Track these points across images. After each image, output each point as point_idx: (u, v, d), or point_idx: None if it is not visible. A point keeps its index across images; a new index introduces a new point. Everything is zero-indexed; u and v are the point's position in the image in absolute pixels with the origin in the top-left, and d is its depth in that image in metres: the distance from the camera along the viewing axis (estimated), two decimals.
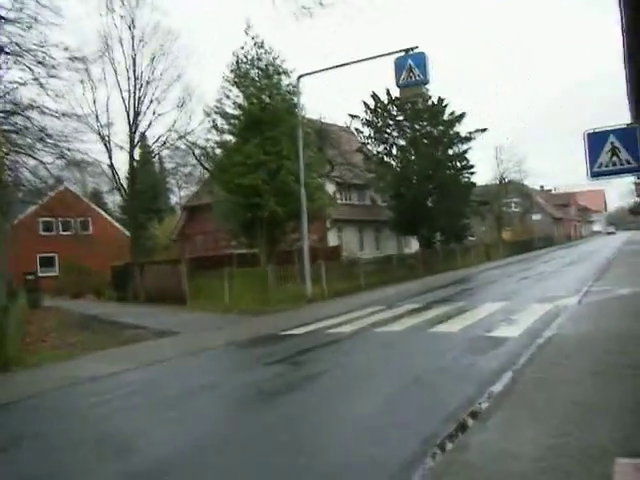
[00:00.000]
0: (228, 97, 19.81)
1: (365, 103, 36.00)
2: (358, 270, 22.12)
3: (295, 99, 19.34)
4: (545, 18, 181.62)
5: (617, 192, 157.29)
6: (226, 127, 19.96)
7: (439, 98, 35.13)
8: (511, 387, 6.63)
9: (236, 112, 19.81)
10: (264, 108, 19.53)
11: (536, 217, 55.70)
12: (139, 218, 44.08)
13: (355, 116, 35.87)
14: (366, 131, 36.29)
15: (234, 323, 15.81)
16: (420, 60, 16.33)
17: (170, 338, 13.53)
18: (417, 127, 35.43)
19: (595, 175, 10.72)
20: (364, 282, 22.27)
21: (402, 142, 35.87)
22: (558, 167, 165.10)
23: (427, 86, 17.49)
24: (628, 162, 10.33)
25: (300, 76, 18.75)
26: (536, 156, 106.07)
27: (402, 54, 16.52)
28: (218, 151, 20.24)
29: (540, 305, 13.88)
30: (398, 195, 34.75)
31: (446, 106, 35.11)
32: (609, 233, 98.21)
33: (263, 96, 19.80)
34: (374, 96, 35.71)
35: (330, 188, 33.59)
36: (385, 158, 36.09)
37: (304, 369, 8.88)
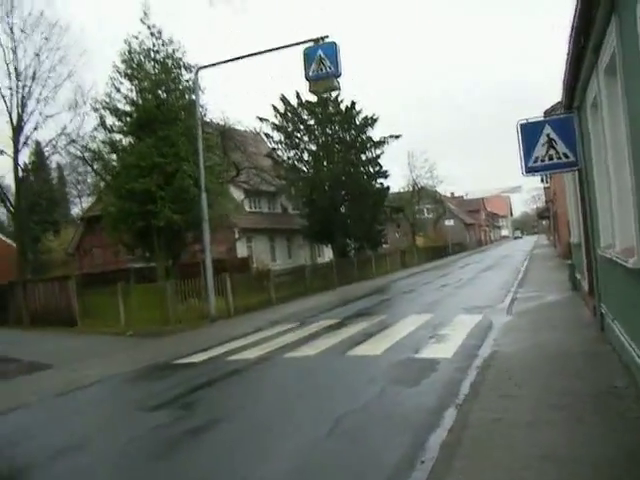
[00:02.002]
0: (119, 91, 17.49)
1: (275, 107, 34.34)
2: (268, 283, 20.26)
3: (194, 95, 17.26)
4: (464, 23, 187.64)
5: (520, 198, 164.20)
6: (117, 125, 17.60)
7: (351, 102, 34.05)
8: (458, 435, 5.07)
9: (128, 108, 17.51)
10: (160, 105, 17.40)
11: (449, 223, 55.90)
12: (33, 230, 40.47)
13: (264, 119, 34.11)
14: (276, 136, 34.63)
15: (124, 348, 13.63)
16: (331, 51, 14.81)
17: (40, 373, 11.16)
18: (329, 132, 34.12)
19: (530, 171, 9.49)
20: (275, 295, 20.47)
21: (313, 147, 34.43)
22: (467, 173, 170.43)
23: (338, 91, 15.90)
24: (566, 156, 9.14)
25: (199, 68, 16.75)
26: (446, 162, 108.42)
27: (312, 44, 14.97)
28: (109, 153, 17.75)
29: (468, 316, 12.64)
30: (310, 202, 33.23)
31: (359, 112, 34.09)
32: (516, 237, 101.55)
33: (160, 91, 17.64)
34: (283, 99, 34.11)
35: (237, 194, 31.70)
36: (296, 164, 34.52)
37: (195, 416, 6.96)
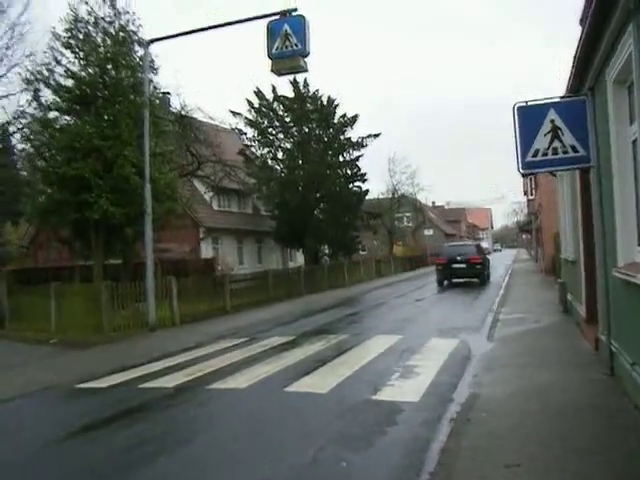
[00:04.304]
0: (59, 62, 15.20)
1: (249, 101, 32.26)
2: (223, 289, 18.10)
3: (146, 73, 15.03)
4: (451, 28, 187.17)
5: (502, 211, 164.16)
6: (53, 99, 15.22)
7: (329, 98, 32.05)
8: None
9: (69, 83, 15.22)
10: (106, 81, 15.18)
11: (428, 232, 54.08)
12: None
13: (238, 114, 31.99)
14: (250, 132, 32.54)
15: (34, 361, 11.43)
16: (299, 26, 12.80)
17: None
18: (305, 130, 32.09)
19: (528, 167, 7.48)
20: (231, 303, 18.34)
21: (288, 145, 32.40)
22: (449, 183, 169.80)
23: (304, 72, 13.81)
24: (574, 149, 7.13)
25: (150, 41, 14.55)
26: (428, 171, 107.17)
27: (277, 17, 12.96)
28: (40, 132, 15.33)
29: (442, 341, 10.68)
30: (283, 203, 31.18)
31: (336, 107, 32.10)
32: (495, 250, 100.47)
33: (109, 66, 15.38)
34: (258, 93, 32.03)
35: (203, 191, 29.63)
36: (269, 162, 32.46)
37: None
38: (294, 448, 5.30)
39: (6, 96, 20.77)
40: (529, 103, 7.34)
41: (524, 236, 76.14)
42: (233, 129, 32.02)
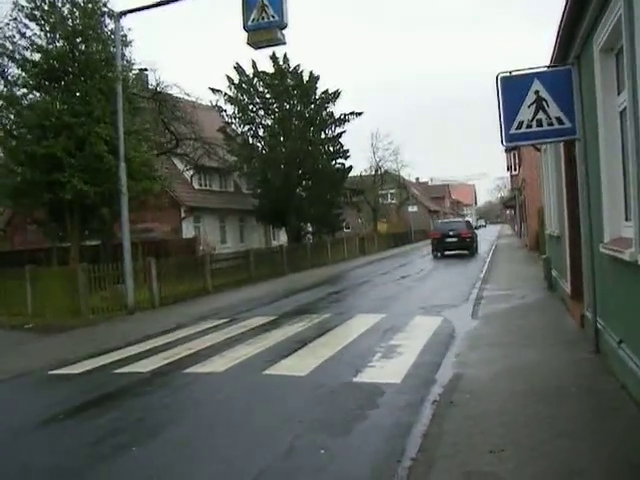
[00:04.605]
0: (24, 35, 14.59)
1: (229, 77, 31.61)
2: (204, 269, 17.78)
3: (118, 47, 14.47)
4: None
5: (485, 187, 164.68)
6: (19, 74, 14.62)
7: (310, 74, 31.51)
8: None
9: (35, 57, 14.64)
10: (76, 55, 14.62)
11: (412, 209, 53.74)
12: None
13: (217, 90, 31.33)
14: (230, 109, 31.93)
15: (7, 346, 11.15)
16: None
17: None
18: (286, 106, 31.54)
19: (512, 140, 7.21)
20: (213, 283, 18.06)
21: (269, 122, 31.88)
22: (433, 159, 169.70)
23: (282, 44, 13.24)
24: (559, 121, 6.86)
25: (121, 13, 13.96)
26: (411, 147, 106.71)
27: None
28: (6, 109, 14.73)
29: (426, 319, 10.52)
30: (264, 181, 30.78)
31: (317, 81, 31.55)
32: (480, 226, 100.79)
33: (78, 40, 14.81)
34: (238, 68, 31.39)
35: (182, 169, 29.13)
36: (250, 140, 31.95)
37: None
38: (271, 436, 5.07)
39: None
40: (513, 73, 7.07)
41: (508, 212, 76.33)
42: (213, 106, 31.44)
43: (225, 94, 31.31)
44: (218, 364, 7.82)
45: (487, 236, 51.58)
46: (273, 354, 8.22)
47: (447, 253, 27.83)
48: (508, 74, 7.06)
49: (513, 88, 7.02)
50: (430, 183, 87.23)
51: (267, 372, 7.18)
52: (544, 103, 6.91)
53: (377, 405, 5.71)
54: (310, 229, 34.38)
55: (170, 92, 21.38)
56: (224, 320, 12.10)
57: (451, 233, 28.18)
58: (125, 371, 7.98)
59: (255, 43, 12.63)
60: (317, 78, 31.68)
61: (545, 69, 7.21)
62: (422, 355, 7.63)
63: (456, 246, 28.17)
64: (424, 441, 4.58)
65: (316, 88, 31.68)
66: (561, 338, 7.79)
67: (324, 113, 32.04)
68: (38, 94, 14.94)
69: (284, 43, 12.79)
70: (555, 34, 6.97)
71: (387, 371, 6.92)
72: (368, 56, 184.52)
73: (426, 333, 9.09)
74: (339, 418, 5.40)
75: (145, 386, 7.19)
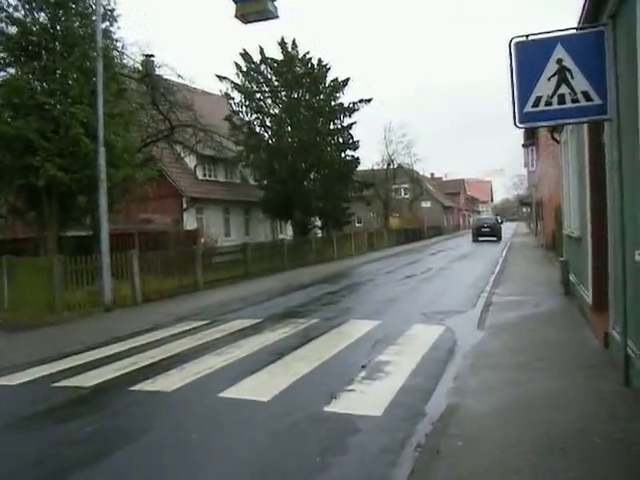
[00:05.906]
0: (1, 7, 13.44)
1: (236, 64, 30.40)
2: (193, 263, 16.61)
3: (99, 20, 13.22)
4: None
5: (502, 184, 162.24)
6: None
7: (319, 61, 30.18)
8: None
9: (12, 30, 13.49)
10: (56, 30, 13.47)
11: (426, 204, 52.27)
12: None
13: (224, 77, 30.15)
14: (237, 97, 30.70)
15: None
16: None
17: None
18: (294, 95, 30.25)
19: (527, 119, 5.89)
20: (205, 279, 16.90)
21: (276, 111, 30.62)
22: (447, 155, 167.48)
23: (274, 18, 11.94)
24: (587, 96, 5.56)
25: None
26: (425, 141, 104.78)
27: None
28: None
29: (425, 328, 9.30)
30: (270, 172, 29.57)
31: (328, 70, 30.24)
32: None
33: (60, 12, 13.65)
34: (245, 55, 30.16)
35: (189, 160, 28.18)
36: (257, 129, 30.73)
37: None
38: None
39: None
40: (530, 37, 5.79)
41: (524, 210, 74.51)
42: (222, 95, 30.33)
43: (232, 81, 30.14)
44: (171, 381, 6.61)
45: (503, 233, 49.98)
46: (240, 369, 7.01)
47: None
48: (524, 38, 5.78)
49: (530, 56, 5.75)
50: (445, 178, 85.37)
51: (224, 394, 5.96)
52: (568, 74, 5.62)
53: (346, 449, 4.50)
54: (318, 223, 33.15)
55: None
56: (204, 322, 10.96)
57: (485, 225, 43.72)
58: (66, 384, 6.83)
59: (243, 16, 11.24)
60: (328, 68, 30.37)
61: (571, 32, 5.87)
62: (413, 377, 6.40)
63: (488, 234, 41.66)
64: None
65: (325, 76, 30.38)
66: (581, 360, 6.49)
67: (333, 103, 30.69)
68: (13, 71, 13.80)
69: (276, 16, 11.41)
70: None
71: (367, 398, 5.69)
72: (388, 53, 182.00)
73: (422, 347, 7.84)
74: (293, 468, 4.19)
75: (78, 406, 6.04)
